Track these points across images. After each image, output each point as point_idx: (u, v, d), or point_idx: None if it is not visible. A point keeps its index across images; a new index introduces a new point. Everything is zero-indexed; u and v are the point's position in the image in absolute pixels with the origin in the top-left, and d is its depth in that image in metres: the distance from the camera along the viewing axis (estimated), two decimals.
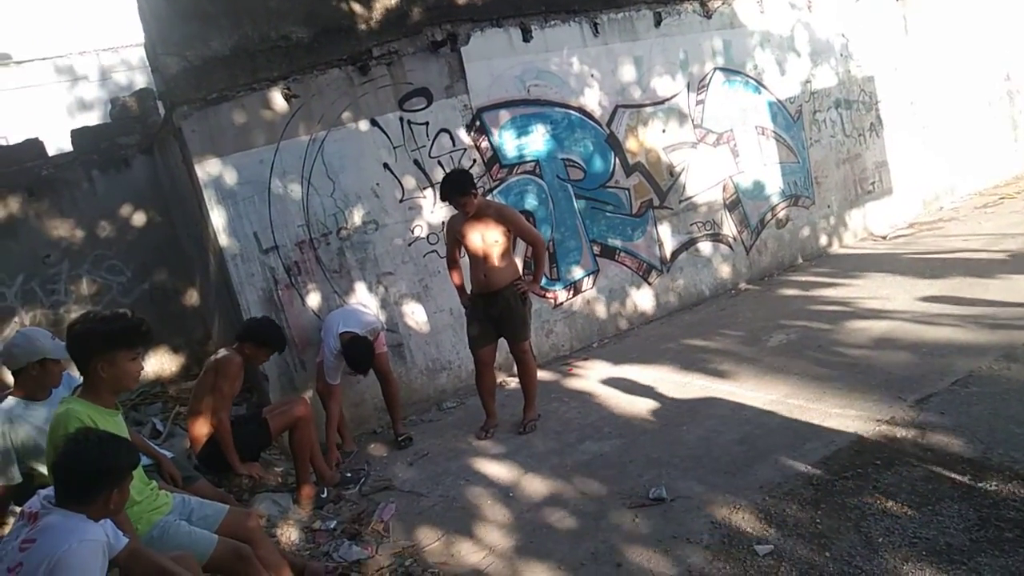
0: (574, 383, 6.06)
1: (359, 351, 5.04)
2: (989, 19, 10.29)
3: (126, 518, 2.87)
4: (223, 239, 5.34)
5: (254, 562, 3.06)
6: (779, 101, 8.22)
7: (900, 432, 4.08)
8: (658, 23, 7.23)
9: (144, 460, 3.65)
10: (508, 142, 6.51)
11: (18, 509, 3.59)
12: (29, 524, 2.37)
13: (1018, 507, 3.19)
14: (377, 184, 5.91)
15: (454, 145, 6.24)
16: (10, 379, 3.60)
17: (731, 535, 3.45)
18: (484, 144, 6.39)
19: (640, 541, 3.57)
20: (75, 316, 7.02)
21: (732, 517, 3.60)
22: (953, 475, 3.55)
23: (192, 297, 7.78)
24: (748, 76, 7.99)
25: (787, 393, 4.86)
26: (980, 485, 3.41)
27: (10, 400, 3.46)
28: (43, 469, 3.30)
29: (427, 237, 6.15)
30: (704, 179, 7.62)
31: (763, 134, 8.07)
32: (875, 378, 4.82)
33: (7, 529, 3.75)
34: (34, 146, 7.43)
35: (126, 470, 2.50)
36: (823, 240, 8.64)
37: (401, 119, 6.00)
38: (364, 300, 5.78)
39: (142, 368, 3.08)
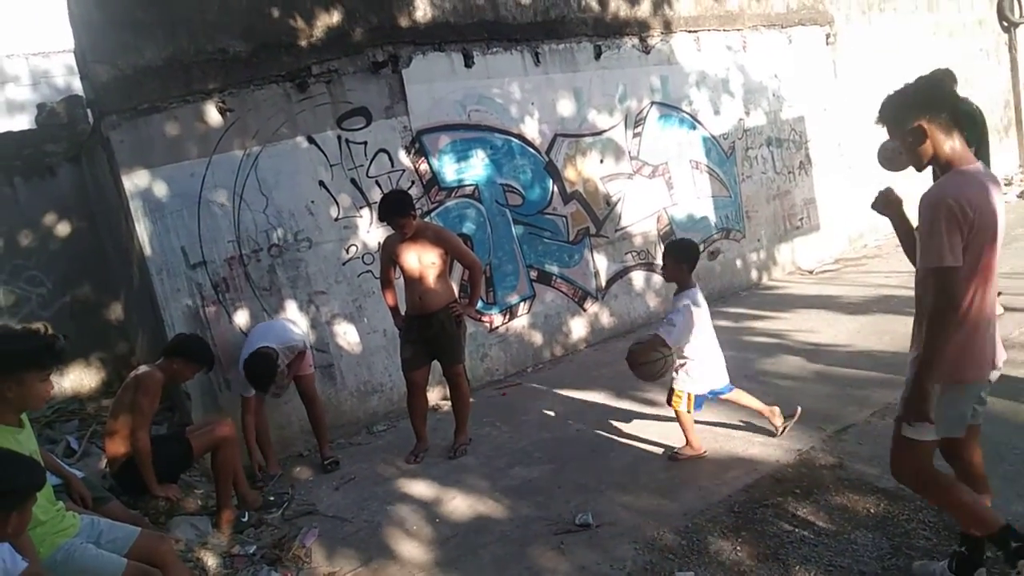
0: (507, 408, 6.05)
1: (256, 368, 4.91)
2: (911, 66, 10.80)
3: (28, 540, 2.72)
4: (149, 252, 5.18)
5: None
6: (713, 137, 8.45)
7: (820, 461, 4.19)
8: (598, 56, 7.38)
9: (52, 479, 3.49)
10: (448, 165, 6.52)
11: None
12: None
13: (927, 536, 3.30)
14: (312, 202, 5.84)
15: (392, 166, 6.22)
16: None
17: (654, 562, 3.48)
18: (423, 166, 6.39)
19: (564, 567, 3.57)
20: None
21: (655, 543, 3.63)
22: (868, 504, 3.65)
23: (115, 311, 7.51)
24: (684, 112, 8.19)
25: (712, 421, 4.94)
26: (893, 514, 3.52)
27: None
28: None
29: (362, 257, 6.09)
30: (639, 210, 7.76)
31: (697, 168, 8.28)
32: (797, 407, 4.94)
33: None
34: None
35: (25, 492, 2.37)
36: (753, 273, 8.87)
37: (339, 137, 5.95)
38: (295, 319, 5.67)
39: (52, 388, 2.94)
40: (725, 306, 8.03)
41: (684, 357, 4.36)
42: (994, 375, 2.73)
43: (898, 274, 8.31)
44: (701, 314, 4.31)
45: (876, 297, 7.44)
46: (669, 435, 4.77)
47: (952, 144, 2.59)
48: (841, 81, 9.82)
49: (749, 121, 8.89)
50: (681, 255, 4.34)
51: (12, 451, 2.51)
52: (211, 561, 4.21)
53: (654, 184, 7.91)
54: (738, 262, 8.77)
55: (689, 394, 4.38)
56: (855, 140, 9.84)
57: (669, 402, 4.47)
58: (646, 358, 4.26)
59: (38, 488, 2.46)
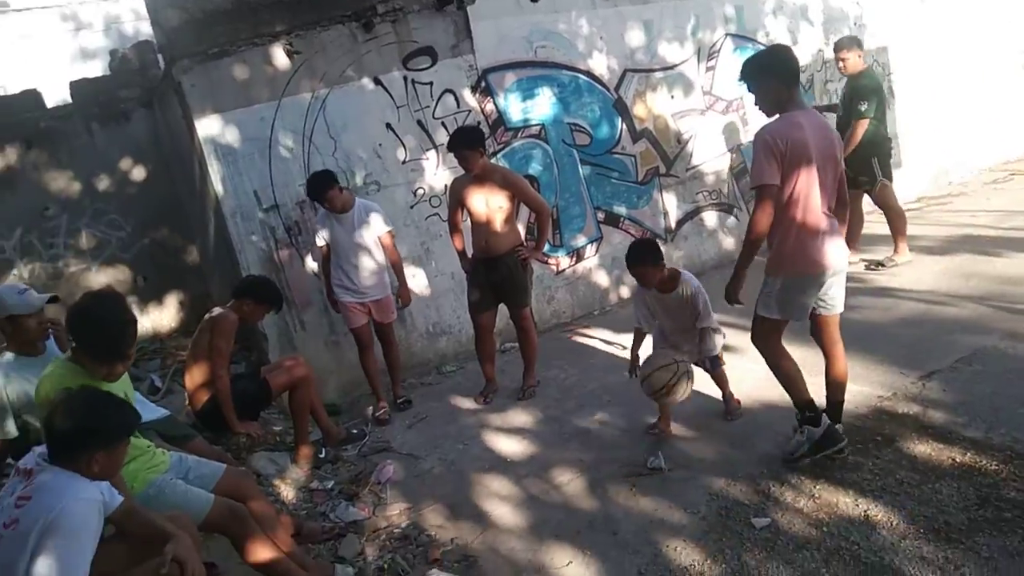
0: (575, 350, 6.04)
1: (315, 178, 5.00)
2: None
3: (120, 477, 2.85)
4: (223, 196, 5.27)
5: (250, 522, 3.06)
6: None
7: (902, 408, 4.06)
8: None
9: (150, 417, 3.64)
10: (514, 105, 6.40)
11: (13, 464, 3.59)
12: (24, 481, 2.35)
13: (1018, 487, 3.17)
14: (379, 144, 5.82)
15: (458, 106, 6.14)
16: None
17: (728, 507, 3.45)
18: (489, 106, 6.28)
19: (636, 511, 3.57)
20: (74, 271, 7.02)
21: (730, 489, 3.59)
22: (953, 454, 3.53)
23: (192, 254, 7.73)
24: (760, 43, 7.81)
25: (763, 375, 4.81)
26: (980, 464, 3.39)
27: (6, 355, 3.44)
28: (37, 423, 3.28)
29: (429, 200, 6.08)
30: (712, 147, 7.51)
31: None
32: (879, 353, 4.78)
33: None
34: (32, 97, 7.32)
35: (114, 433, 2.43)
36: None
37: (405, 78, 5.89)
38: (364, 263, 5.68)
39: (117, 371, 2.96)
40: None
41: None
42: (829, 274, 3.46)
43: (985, 213, 7.91)
44: None
45: (961, 237, 7.10)
46: (741, 381, 4.67)
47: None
48: (928, 7, 9.20)
49: (829, 51, 8.42)
50: (652, 258, 4.04)
51: (109, 393, 2.59)
52: (290, 495, 4.37)
53: (727, 120, 7.63)
54: None
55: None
56: (942, 72, 9.29)
57: (717, 369, 4.35)
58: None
59: (128, 433, 2.52)
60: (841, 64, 6.43)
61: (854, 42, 6.44)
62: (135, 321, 2.89)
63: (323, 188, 4.87)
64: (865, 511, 3.22)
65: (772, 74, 3.44)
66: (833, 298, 3.62)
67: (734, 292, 3.63)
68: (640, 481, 3.83)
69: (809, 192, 3.34)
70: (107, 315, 2.79)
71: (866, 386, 4.36)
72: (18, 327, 3.37)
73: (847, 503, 3.31)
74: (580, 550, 3.36)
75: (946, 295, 5.67)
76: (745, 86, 3.60)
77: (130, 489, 2.87)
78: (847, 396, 3.99)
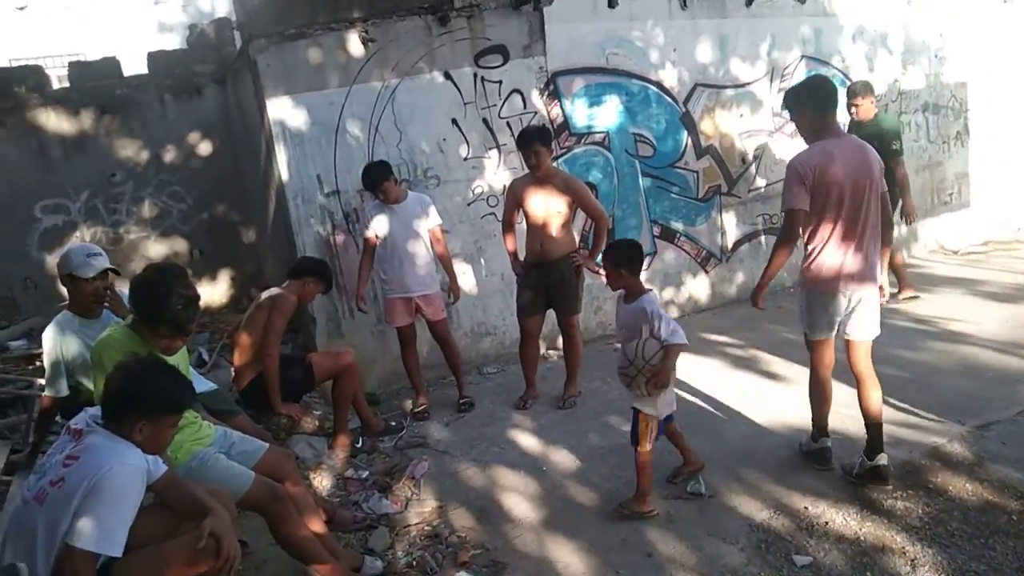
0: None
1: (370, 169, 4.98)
2: None
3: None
4: (286, 177, 5.32)
5: (287, 503, 3.06)
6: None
7: (957, 457, 3.91)
8: (749, 3, 6.94)
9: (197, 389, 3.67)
10: (580, 110, 6.35)
11: (62, 422, 3.66)
12: (74, 440, 2.38)
13: None
14: (444, 139, 5.83)
15: (525, 107, 6.11)
16: None
17: (769, 540, 3.35)
18: (555, 110, 6.24)
19: (673, 534, 3.49)
20: (133, 238, 7.16)
21: (772, 522, 3.50)
22: (1010, 510, 3.39)
23: (248, 232, 7.84)
24: (835, 68, 7.65)
25: (841, 402, 4.66)
26: None
27: (65, 313, 3.50)
28: (89, 384, 3.33)
29: (487, 199, 6.06)
30: (777, 171, 7.35)
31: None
32: (935, 397, 4.63)
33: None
34: (110, 64, 7.51)
35: (161, 406, 2.42)
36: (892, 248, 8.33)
37: (475, 75, 5.88)
38: (416, 255, 5.68)
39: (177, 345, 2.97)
40: None
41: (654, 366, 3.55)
42: (847, 293, 3.65)
43: None
44: None
45: None
46: (790, 413, 4.56)
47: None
48: (1015, 45, 8.90)
49: (905, 83, 8.23)
50: (617, 259, 3.67)
51: (171, 367, 2.59)
52: (325, 482, 4.39)
53: (795, 144, 7.43)
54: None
55: (655, 422, 3.64)
56: (1018, 112, 8.97)
57: (636, 440, 3.66)
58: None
59: (176, 410, 2.49)
60: (854, 110, 6.40)
61: (868, 88, 6.43)
62: (198, 298, 2.91)
63: (380, 178, 4.88)
64: (912, 559, 3.11)
65: (806, 103, 3.63)
66: (858, 324, 3.73)
67: (756, 297, 3.95)
68: (679, 504, 3.75)
69: (836, 216, 3.55)
70: (172, 290, 2.79)
71: (921, 431, 4.22)
72: (75, 288, 3.42)
73: (894, 549, 3.20)
74: (612, 569, 3.29)
75: (1009, 343, 5.46)
76: (788, 114, 3.84)
77: (174, 459, 2.90)
78: (902, 435, 3.87)
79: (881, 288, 3.78)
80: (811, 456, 3.99)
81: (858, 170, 3.52)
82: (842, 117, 5.23)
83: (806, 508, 3.58)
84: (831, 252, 3.62)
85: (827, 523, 3.44)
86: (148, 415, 2.38)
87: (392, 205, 4.98)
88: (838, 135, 3.61)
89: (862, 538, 3.30)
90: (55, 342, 3.41)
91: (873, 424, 3.74)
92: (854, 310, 3.70)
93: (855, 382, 3.83)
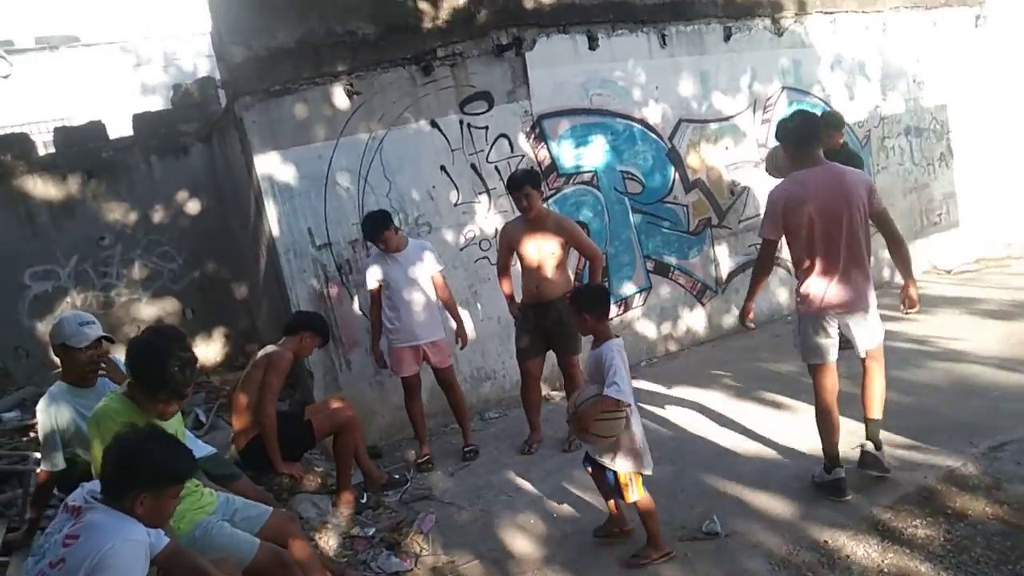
0: None
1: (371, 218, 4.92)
2: None
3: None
4: (277, 232, 5.29)
5: (294, 570, 2.97)
6: (847, 125, 7.95)
7: (973, 480, 3.85)
8: (727, 38, 7.05)
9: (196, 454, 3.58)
10: (567, 151, 6.38)
11: (59, 496, 3.55)
12: (73, 518, 2.30)
13: None
14: (433, 186, 5.83)
15: (512, 151, 6.13)
16: None
17: None
18: (542, 152, 6.27)
19: None
20: (124, 300, 7.08)
21: (792, 558, 3.41)
22: None
23: (240, 288, 7.78)
24: (816, 97, 7.75)
25: (849, 430, 4.62)
26: None
27: (58, 384, 3.42)
28: (86, 456, 3.24)
29: (480, 243, 6.05)
30: (765, 200, 7.38)
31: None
32: (943, 419, 4.58)
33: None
34: (96, 128, 7.51)
35: (162, 478, 2.34)
36: (885, 271, 8.32)
37: (461, 122, 5.91)
38: (419, 302, 5.62)
39: (172, 409, 2.93)
40: None
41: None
42: (836, 314, 3.78)
43: None
44: (626, 366, 3.52)
45: None
46: (800, 443, 4.50)
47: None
48: (988, 67, 9.05)
49: (886, 108, 8.34)
50: (581, 304, 3.59)
51: (170, 436, 2.51)
52: (332, 541, 4.26)
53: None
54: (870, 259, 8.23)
55: (638, 476, 3.55)
56: (1002, 131, 9.09)
57: (620, 495, 3.58)
58: (601, 415, 3.40)
59: (177, 480, 2.41)
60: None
61: (836, 121, 6.14)
62: (195, 360, 2.86)
63: (380, 228, 4.85)
64: None
65: (782, 139, 3.91)
66: (858, 338, 3.86)
67: (743, 316, 4.19)
68: (695, 546, 3.66)
69: (811, 244, 3.72)
70: (170, 352, 2.75)
71: (933, 455, 4.16)
72: (69, 358, 3.35)
73: None
74: None
75: (1012, 360, 5.44)
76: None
77: (176, 529, 2.80)
78: (915, 459, 3.83)
79: (910, 297, 3.88)
80: (825, 488, 3.93)
81: (831, 196, 3.65)
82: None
83: (826, 542, 3.50)
84: (814, 279, 3.78)
85: (848, 556, 3.36)
86: (149, 487, 2.30)
87: (393, 254, 4.95)
88: (816, 164, 3.74)
89: (885, 570, 3.22)
90: (49, 414, 3.32)
91: (873, 411, 3.97)
92: (851, 331, 3.84)
93: (864, 397, 4.00)
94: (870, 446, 3.96)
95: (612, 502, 3.77)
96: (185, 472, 2.43)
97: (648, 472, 3.59)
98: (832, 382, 3.91)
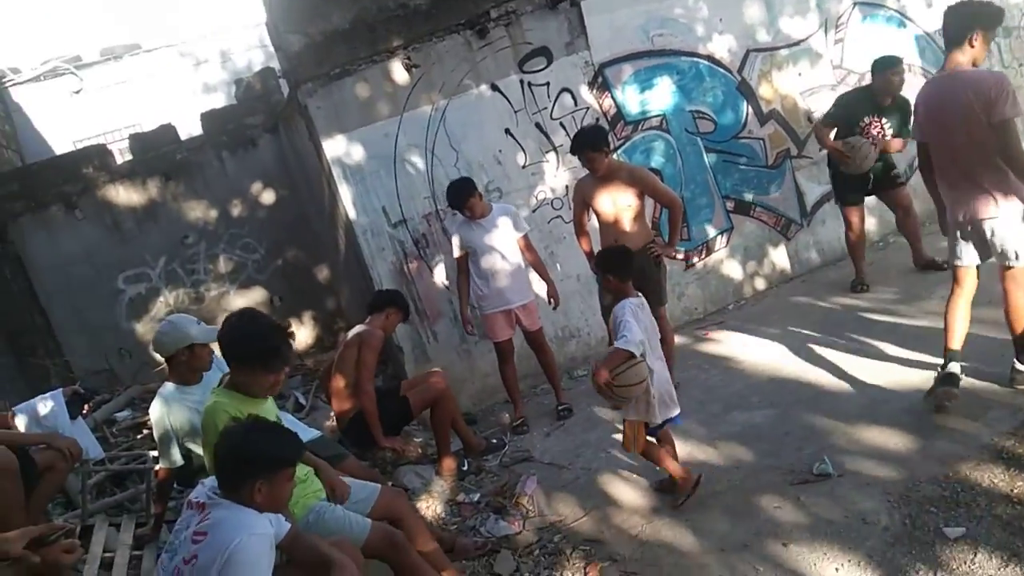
0: (712, 349, 5.78)
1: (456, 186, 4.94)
2: None
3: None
4: (353, 214, 5.35)
5: (407, 547, 3.03)
6: (927, 34, 7.44)
7: None
8: None
9: (303, 438, 3.69)
10: (632, 98, 6.20)
11: (182, 491, 3.73)
12: (198, 514, 2.39)
13: None
14: (499, 151, 5.78)
15: (576, 104, 6.01)
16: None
17: (913, 516, 3.14)
18: (607, 102, 6.12)
19: (808, 521, 3.32)
20: (214, 294, 7.34)
21: (911, 495, 3.28)
22: None
23: (322, 272, 7.95)
24: (891, 8, 7.27)
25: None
26: None
27: (167, 386, 3.56)
28: (199, 451, 3.38)
29: (551, 202, 5.99)
30: None
31: (910, 71, 7.35)
32: None
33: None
34: (168, 131, 7.73)
35: (273, 462, 2.39)
36: None
37: (521, 81, 5.81)
38: (508, 266, 5.57)
39: (280, 380, 3.01)
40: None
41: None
42: (966, 225, 3.71)
43: None
44: (645, 320, 3.68)
45: None
46: (907, 376, 4.32)
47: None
48: None
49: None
50: (604, 264, 3.87)
51: (271, 423, 2.59)
52: (439, 509, 4.37)
53: None
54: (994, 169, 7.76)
55: (641, 425, 3.65)
56: None
57: (624, 447, 3.77)
58: (616, 369, 3.45)
59: (287, 463, 2.46)
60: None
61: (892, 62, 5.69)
62: (283, 327, 2.95)
63: (465, 196, 4.85)
64: None
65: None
66: (997, 247, 3.68)
67: (943, 225, 4.00)
68: (807, 489, 3.56)
69: (939, 150, 3.73)
70: (257, 321, 2.89)
71: None
72: (194, 355, 3.49)
73: None
74: (751, 565, 3.15)
75: None
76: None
77: (293, 516, 2.89)
78: None
79: None
80: (936, 383, 3.88)
81: (946, 102, 3.59)
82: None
83: (946, 474, 3.35)
84: (941, 181, 3.84)
85: (973, 488, 3.21)
86: (263, 475, 2.37)
87: (479, 220, 4.95)
88: (947, 71, 3.67)
89: (1016, 498, 3.07)
90: (162, 415, 3.47)
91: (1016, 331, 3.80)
92: (989, 236, 3.66)
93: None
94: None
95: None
96: (294, 454, 2.48)
97: (657, 422, 3.67)
98: (970, 283, 3.85)
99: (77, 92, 12.94)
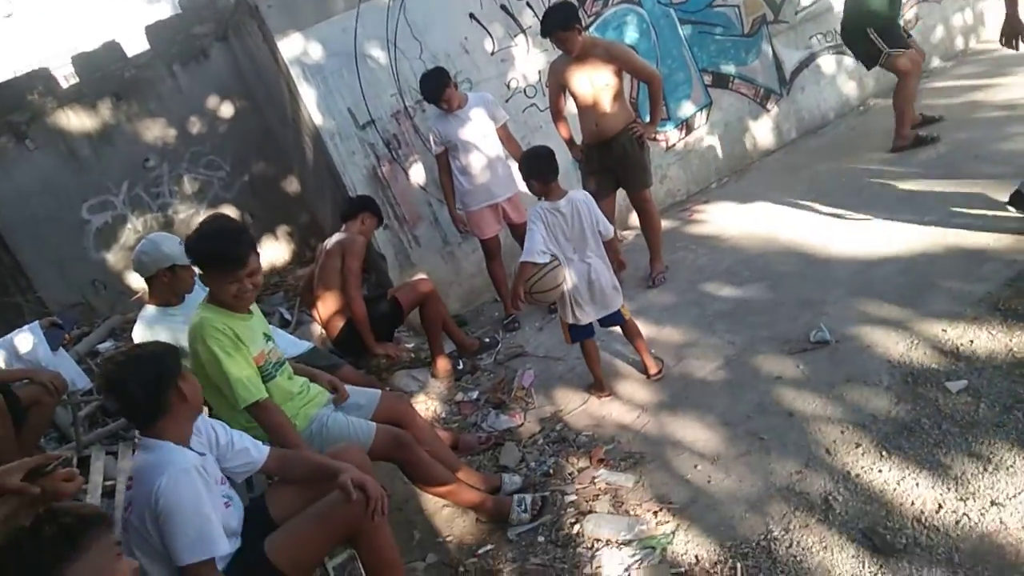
0: (698, 229, 5.71)
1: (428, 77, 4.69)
2: None
3: (284, 416, 2.81)
4: (319, 119, 5.10)
5: (415, 447, 3.00)
6: None
7: None
8: None
9: (291, 352, 3.61)
10: None
11: None
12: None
13: None
14: (466, 38, 5.48)
15: None
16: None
17: (914, 373, 3.15)
18: None
19: (809, 388, 3.33)
20: (183, 216, 7.11)
21: (911, 354, 3.29)
22: None
23: (292, 184, 7.69)
24: None
25: (946, 214, 4.36)
26: None
27: (148, 308, 3.43)
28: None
29: (524, 90, 5.74)
30: None
31: None
32: None
33: None
34: (113, 49, 7.27)
35: (166, 369, 2.26)
36: (959, 40, 7.66)
37: None
38: (491, 159, 5.37)
39: (258, 276, 2.83)
40: (930, 81, 7.01)
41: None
42: None
43: None
44: (561, 225, 3.58)
45: None
46: (896, 238, 4.28)
47: None
48: None
49: None
50: (526, 169, 3.68)
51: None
52: (439, 409, 4.36)
53: None
54: (939, 29, 7.57)
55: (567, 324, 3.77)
56: None
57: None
58: (532, 276, 3.52)
59: (174, 360, 2.32)
60: None
61: None
62: (242, 227, 2.89)
63: (440, 86, 4.59)
64: None
65: None
66: None
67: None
68: (806, 357, 3.56)
69: None
70: (212, 225, 2.79)
71: None
72: (176, 277, 3.34)
73: None
74: (755, 436, 3.16)
75: None
76: None
77: (294, 427, 2.83)
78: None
79: None
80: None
81: None
82: None
83: (944, 331, 3.35)
84: None
85: (972, 342, 3.22)
86: (167, 387, 2.25)
87: (456, 112, 4.72)
88: None
89: (1015, 349, 3.07)
90: (145, 338, 3.35)
91: None
92: None
93: None
94: None
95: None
96: (171, 369, 2.29)
97: (570, 321, 3.73)
98: None
99: (8, 16, 12.20)
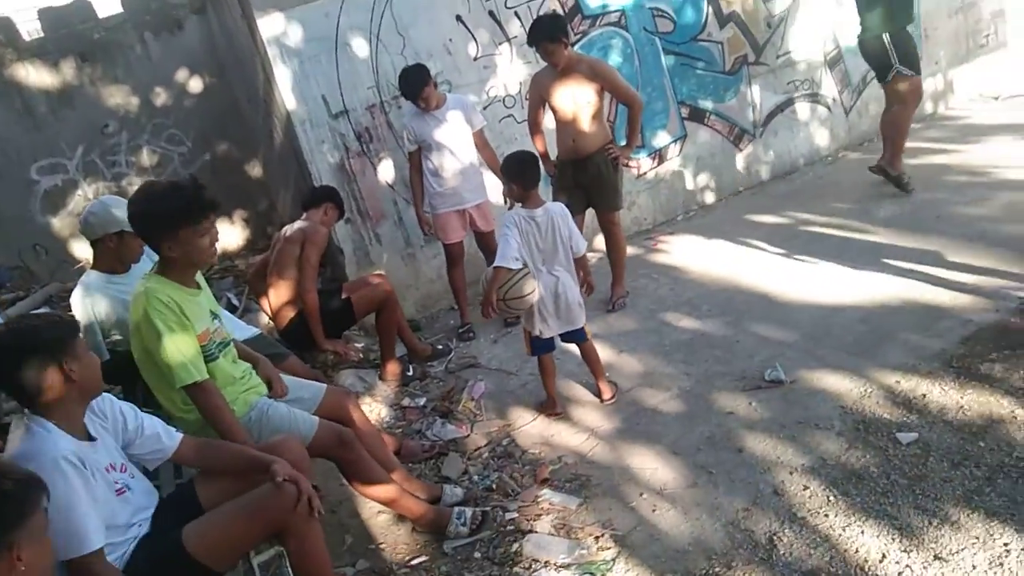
0: (662, 258, 5.69)
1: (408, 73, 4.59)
2: None
3: (222, 399, 2.65)
4: (291, 103, 4.95)
5: (357, 447, 2.88)
6: None
7: None
8: None
9: (238, 335, 3.45)
10: None
11: (109, 388, 3.45)
12: None
13: None
14: (450, 40, 5.39)
15: None
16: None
17: (866, 421, 3.15)
18: None
19: (761, 427, 3.30)
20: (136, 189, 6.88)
21: (864, 402, 3.29)
22: None
23: (255, 168, 7.49)
24: None
25: (907, 269, 4.42)
26: None
27: (91, 274, 3.25)
28: (127, 345, 3.10)
29: (503, 100, 5.67)
30: (804, 31, 6.83)
31: None
32: (1010, 251, 4.34)
33: None
34: (83, 7, 7.00)
35: (52, 342, 2.06)
36: (929, 102, 7.85)
37: None
38: (464, 162, 5.26)
39: (216, 239, 2.71)
40: None
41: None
42: None
43: None
44: (535, 233, 3.53)
45: None
46: (858, 288, 4.32)
47: None
48: None
49: None
50: (508, 172, 3.64)
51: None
52: (383, 413, 4.23)
53: (821, 0, 6.92)
54: None
55: (527, 333, 3.76)
56: None
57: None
58: (504, 283, 3.46)
59: (71, 332, 2.16)
60: None
61: None
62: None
63: (420, 84, 4.48)
64: None
65: None
66: None
67: None
68: (759, 395, 3.54)
69: None
70: (158, 186, 2.66)
71: (1002, 287, 3.95)
72: (123, 243, 3.17)
73: (1003, 415, 2.99)
74: (703, 469, 3.12)
75: None
76: None
77: (233, 412, 2.68)
78: (982, 299, 3.65)
79: None
80: None
81: None
82: None
83: (898, 382, 3.37)
84: None
85: (924, 395, 3.23)
86: (54, 360, 2.06)
87: (433, 112, 4.62)
88: None
89: (966, 407, 3.09)
90: (85, 305, 3.18)
91: None
92: None
93: None
94: None
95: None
96: (61, 329, 2.15)
97: (535, 334, 3.68)
98: None
99: None
